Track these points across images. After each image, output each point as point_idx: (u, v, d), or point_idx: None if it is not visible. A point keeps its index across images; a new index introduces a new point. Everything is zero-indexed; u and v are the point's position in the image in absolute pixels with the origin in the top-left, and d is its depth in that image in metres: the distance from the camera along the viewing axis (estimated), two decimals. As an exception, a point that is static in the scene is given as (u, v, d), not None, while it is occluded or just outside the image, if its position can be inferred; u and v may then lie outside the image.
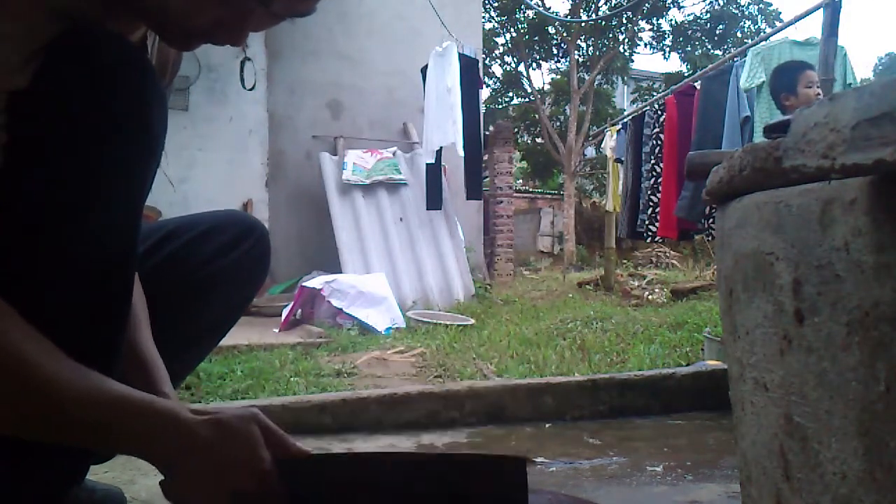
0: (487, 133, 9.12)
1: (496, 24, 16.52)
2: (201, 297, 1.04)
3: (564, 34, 15.62)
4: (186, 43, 0.77)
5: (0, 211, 0.65)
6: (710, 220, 4.67)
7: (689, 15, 17.71)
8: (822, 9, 3.68)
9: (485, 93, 13.13)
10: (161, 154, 0.77)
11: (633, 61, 17.61)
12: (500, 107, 17.69)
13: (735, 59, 4.79)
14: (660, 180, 5.40)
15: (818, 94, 3.06)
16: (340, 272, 5.94)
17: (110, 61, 0.70)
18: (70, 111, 0.68)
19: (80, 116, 0.68)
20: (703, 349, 3.60)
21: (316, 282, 5.21)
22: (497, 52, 16.98)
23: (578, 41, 15.47)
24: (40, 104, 0.66)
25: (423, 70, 6.59)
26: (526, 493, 0.77)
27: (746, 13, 16.91)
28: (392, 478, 0.81)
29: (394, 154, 7.00)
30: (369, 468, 0.84)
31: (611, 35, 15.88)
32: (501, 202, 9.62)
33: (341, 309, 4.98)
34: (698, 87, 5.04)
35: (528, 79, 16.60)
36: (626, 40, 16.24)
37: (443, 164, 6.64)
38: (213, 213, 1.11)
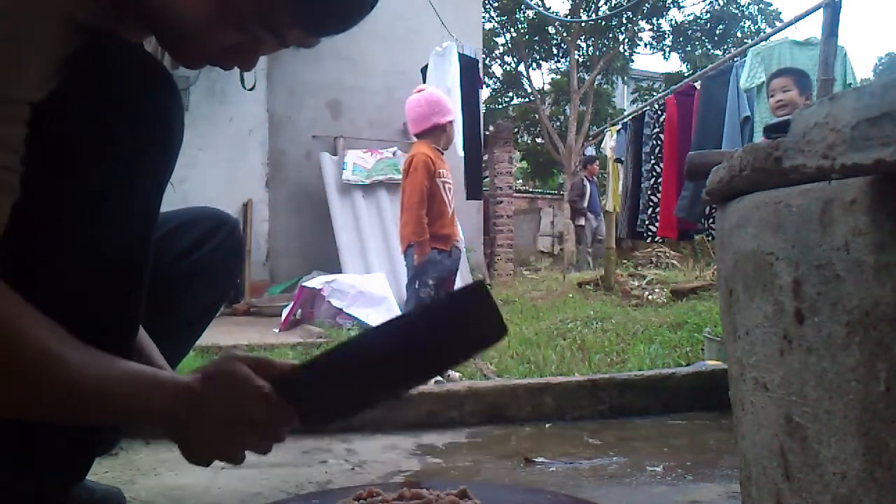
0: (487, 133, 9.12)
1: (496, 24, 16.51)
2: (177, 291, 1.06)
3: (564, 34, 15.61)
4: (198, 64, 0.81)
5: (28, 210, 0.67)
6: (710, 220, 4.66)
7: (689, 15, 17.68)
8: (822, 9, 3.67)
9: (485, 93, 13.09)
10: (178, 154, 0.81)
11: (633, 61, 17.60)
12: (500, 107, 17.67)
13: (735, 59, 4.79)
14: (660, 180, 5.39)
15: (780, 100, 3.22)
16: (340, 272, 5.93)
17: (131, 69, 0.74)
18: (94, 116, 0.71)
19: (105, 120, 0.71)
20: (703, 349, 3.60)
21: (316, 282, 5.20)
22: (497, 52, 16.96)
23: (578, 41, 15.46)
24: (66, 110, 0.69)
25: (423, 70, 6.59)
26: (494, 307, 0.84)
27: (746, 13, 16.91)
28: (375, 354, 0.87)
29: (394, 154, 6.99)
30: (352, 355, 0.90)
31: (611, 35, 15.88)
32: (501, 202, 9.62)
33: (341, 309, 4.98)
34: (698, 87, 5.03)
35: (528, 79, 16.60)
36: (626, 40, 16.23)
37: (443, 164, 6.64)
38: (184, 209, 1.14)
